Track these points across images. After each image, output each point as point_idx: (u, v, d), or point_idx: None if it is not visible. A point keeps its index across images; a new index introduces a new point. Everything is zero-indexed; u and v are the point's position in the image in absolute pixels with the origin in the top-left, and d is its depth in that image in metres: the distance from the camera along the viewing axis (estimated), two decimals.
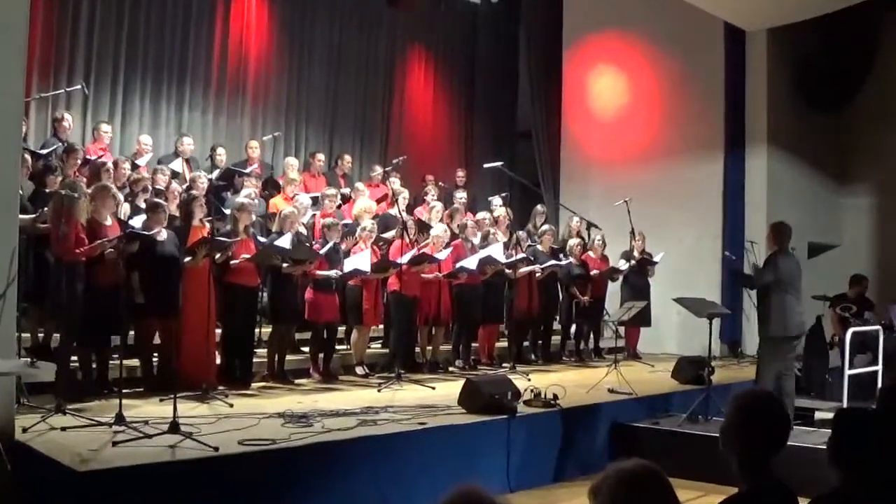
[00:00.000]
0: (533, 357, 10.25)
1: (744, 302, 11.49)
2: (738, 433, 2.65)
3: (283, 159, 10.83)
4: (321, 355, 8.22)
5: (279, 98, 11.79)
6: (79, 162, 7.84)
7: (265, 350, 8.04)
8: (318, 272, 7.96)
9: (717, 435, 2.71)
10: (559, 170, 13.62)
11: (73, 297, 6.19)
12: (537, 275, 9.97)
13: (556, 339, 10.82)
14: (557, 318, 10.80)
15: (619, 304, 10.50)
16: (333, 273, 7.94)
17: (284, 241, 7.54)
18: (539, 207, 11.50)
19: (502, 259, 9.35)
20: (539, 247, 10.32)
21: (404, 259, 8.44)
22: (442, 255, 8.88)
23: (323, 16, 12.20)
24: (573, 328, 10.82)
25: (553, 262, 10.15)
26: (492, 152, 13.69)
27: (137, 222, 7.20)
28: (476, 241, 9.65)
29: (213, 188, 8.21)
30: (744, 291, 11.45)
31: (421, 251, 8.72)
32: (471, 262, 9.06)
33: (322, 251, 7.94)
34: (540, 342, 10.45)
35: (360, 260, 8.06)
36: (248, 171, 9.55)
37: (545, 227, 10.62)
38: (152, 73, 10.38)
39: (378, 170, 10.63)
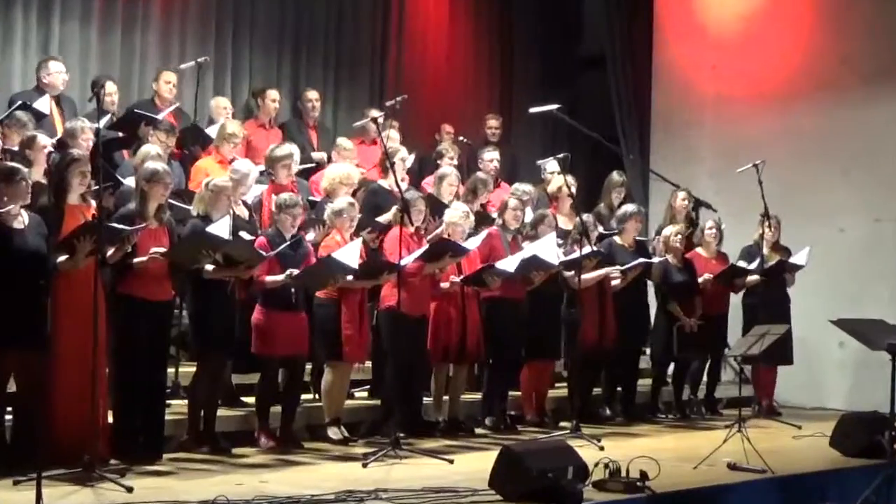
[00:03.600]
0: (608, 412, 10.30)
1: None
2: None
3: (212, 100, 10.79)
4: (274, 409, 8.21)
5: (205, 4, 11.77)
6: None
7: (184, 401, 8.02)
8: (269, 278, 7.94)
9: None
10: (649, 117, 13.60)
11: None
12: (615, 282, 9.95)
13: (644, 383, 10.79)
14: (647, 350, 10.75)
15: (741, 329, 10.42)
16: (284, 277, 7.88)
17: (221, 227, 7.49)
18: (615, 176, 11.43)
19: (555, 258, 9.31)
20: (618, 239, 10.29)
21: (408, 257, 8.36)
22: (472, 243, 8.87)
23: None
24: (671, 367, 10.77)
25: (641, 260, 10.11)
26: (542, 90, 13.66)
27: None
28: (516, 228, 9.64)
29: (101, 145, 8.18)
30: None
31: (437, 241, 8.72)
32: (509, 263, 9.04)
33: (273, 252, 7.88)
34: (619, 389, 10.44)
35: (348, 252, 7.99)
36: (159, 116, 9.51)
37: (629, 208, 10.58)
38: None
39: (372, 115, 10.52)
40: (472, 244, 8.90)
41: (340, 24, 12.89)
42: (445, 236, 8.89)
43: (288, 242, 8.02)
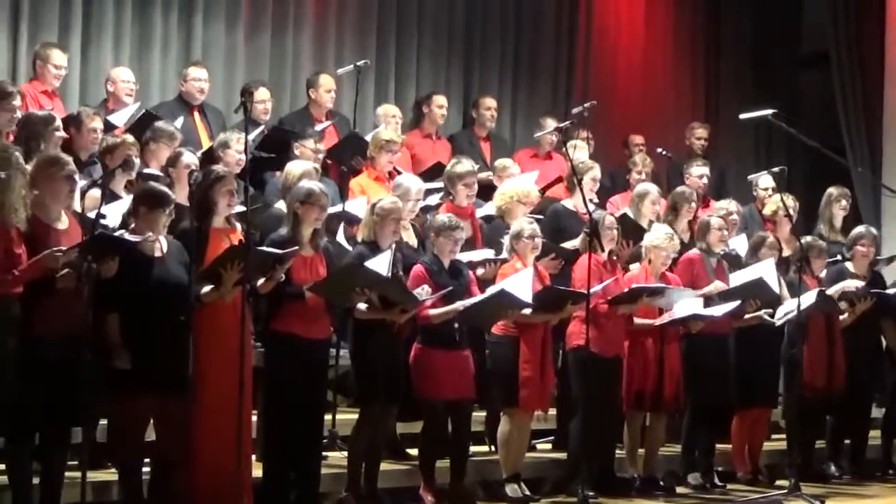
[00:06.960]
0: (833, 469, 10.18)
1: None
2: None
3: (375, 109, 10.90)
4: (443, 463, 8.19)
5: (366, 2, 11.90)
6: (17, 113, 7.93)
7: (343, 453, 8.06)
8: (433, 311, 7.92)
9: None
10: (881, 123, 13.50)
11: None
12: (843, 317, 9.88)
13: (877, 435, 10.64)
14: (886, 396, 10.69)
15: None
16: (452, 308, 7.88)
17: (380, 263, 7.53)
18: (834, 190, 11.18)
19: (775, 288, 9.24)
20: (850, 266, 10.16)
21: (597, 287, 8.32)
22: (679, 296, 8.89)
23: None
24: None
25: (873, 291, 9.98)
26: (753, 94, 13.64)
27: (114, 219, 7.25)
28: (722, 252, 9.62)
29: (251, 162, 8.26)
30: None
31: (631, 289, 8.69)
32: (717, 308, 9.07)
33: (434, 297, 7.83)
34: (848, 441, 10.34)
35: (519, 282, 7.94)
36: (318, 129, 9.59)
37: (858, 230, 10.46)
38: None
39: (556, 125, 10.49)
40: (679, 296, 8.85)
41: (519, 22, 13.00)
42: (646, 262, 8.89)
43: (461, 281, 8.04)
